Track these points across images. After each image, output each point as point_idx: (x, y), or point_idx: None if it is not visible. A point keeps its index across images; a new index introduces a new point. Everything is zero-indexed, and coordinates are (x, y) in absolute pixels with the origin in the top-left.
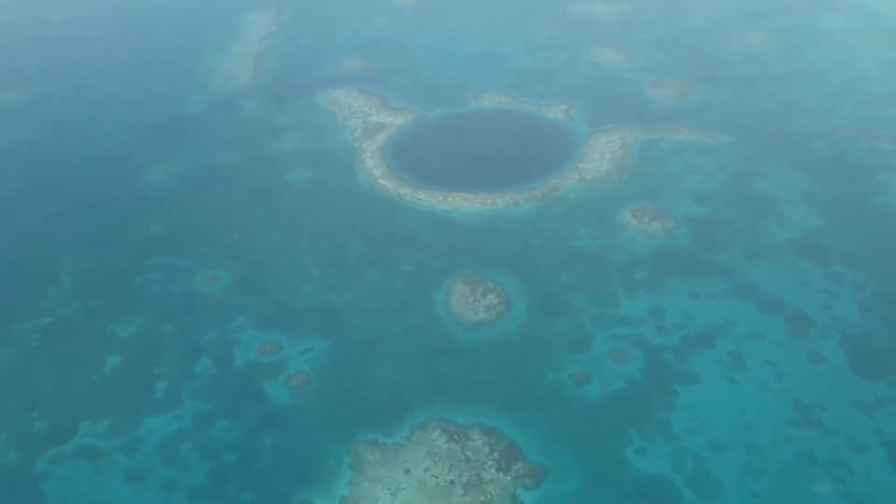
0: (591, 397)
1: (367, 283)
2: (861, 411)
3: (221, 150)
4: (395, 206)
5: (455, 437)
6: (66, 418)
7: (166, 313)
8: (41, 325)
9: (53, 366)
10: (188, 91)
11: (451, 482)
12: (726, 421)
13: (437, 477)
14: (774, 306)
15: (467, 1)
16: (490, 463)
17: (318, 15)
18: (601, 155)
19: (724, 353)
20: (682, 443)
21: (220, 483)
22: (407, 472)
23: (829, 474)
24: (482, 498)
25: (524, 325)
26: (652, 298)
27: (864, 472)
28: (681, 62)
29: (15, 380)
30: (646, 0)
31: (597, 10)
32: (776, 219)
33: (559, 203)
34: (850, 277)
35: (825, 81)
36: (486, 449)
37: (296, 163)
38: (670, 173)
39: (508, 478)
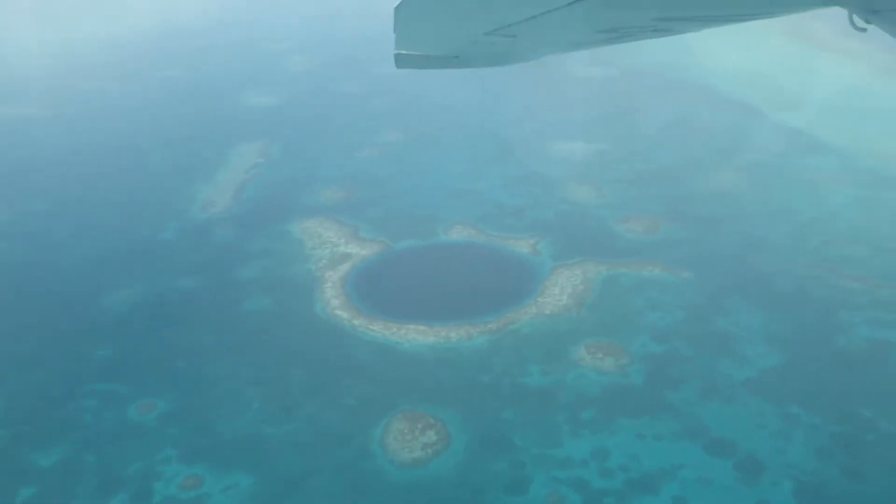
0: None
1: (306, 415)
2: None
3: (184, 276)
4: (347, 337)
5: None
6: None
7: (93, 443)
8: None
9: None
10: (165, 217)
11: None
12: None
13: None
14: (725, 449)
15: (451, 137)
16: None
17: (307, 147)
18: (561, 289)
19: (668, 498)
20: None
21: None
22: None
23: None
24: None
25: (461, 464)
26: (597, 439)
27: None
28: (651, 199)
29: None
30: (624, 139)
31: (575, 149)
32: (733, 357)
33: (513, 337)
34: (806, 420)
35: (792, 219)
36: None
37: (256, 290)
38: (630, 309)
39: None
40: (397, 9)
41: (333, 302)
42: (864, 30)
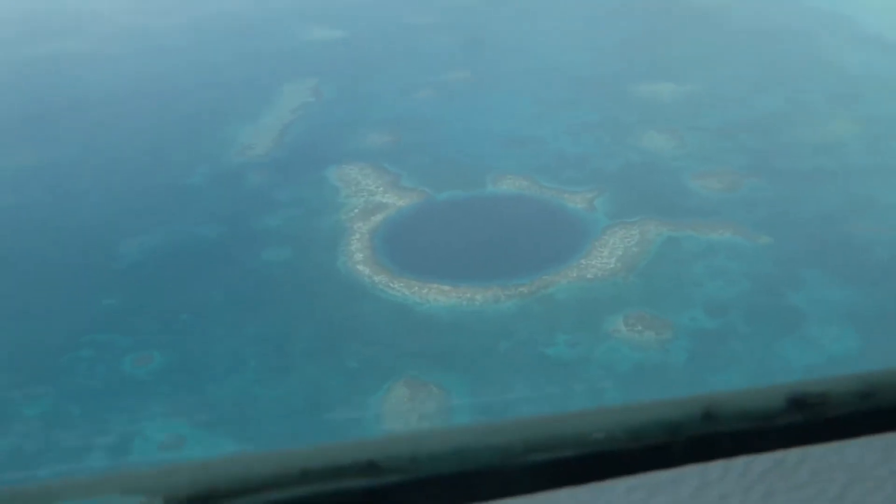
0: None
1: (302, 378)
2: None
3: (206, 224)
4: (364, 295)
5: None
6: None
7: (81, 395)
8: None
9: None
10: (198, 160)
11: None
12: None
13: None
14: None
15: (521, 76)
16: None
17: (362, 86)
18: (611, 251)
19: None
20: None
21: None
22: None
23: None
24: None
25: None
26: None
27: None
28: (741, 150)
29: None
30: (723, 80)
31: (663, 91)
32: (799, 338)
33: (545, 302)
34: None
35: None
36: None
37: (278, 241)
38: (686, 277)
39: None
40: None
41: (357, 256)
42: None
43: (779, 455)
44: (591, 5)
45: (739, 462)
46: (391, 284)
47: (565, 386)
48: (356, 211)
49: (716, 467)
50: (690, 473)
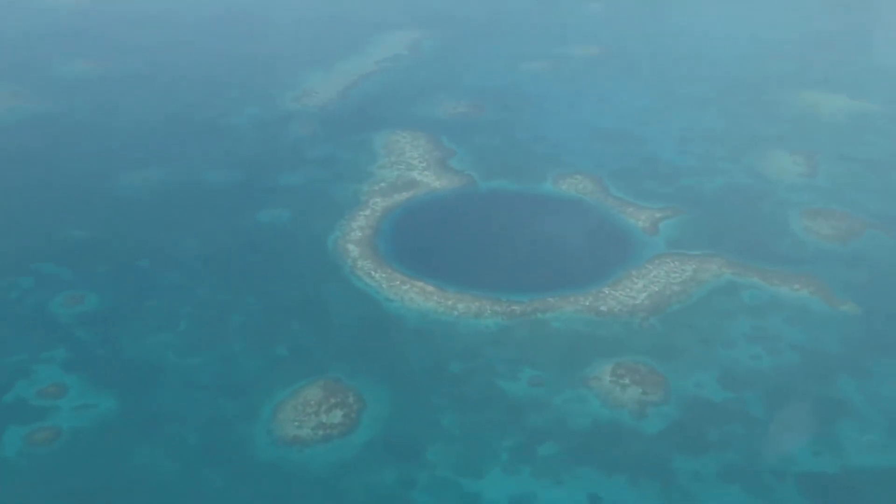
0: None
1: (222, 353)
2: None
3: (223, 169)
4: (337, 279)
5: None
6: None
7: None
8: None
9: None
10: (251, 100)
11: None
12: None
13: None
14: None
15: (656, 62)
16: None
17: (469, 46)
18: (647, 285)
19: None
20: None
21: None
22: None
23: None
24: None
25: (343, 460)
26: (534, 483)
27: None
28: (883, 192)
29: None
30: None
31: (828, 104)
32: (822, 438)
33: (534, 328)
34: None
35: None
36: None
37: (283, 202)
38: (721, 333)
39: None
40: None
41: (354, 234)
42: None
43: None
44: None
45: None
46: (372, 273)
47: (498, 429)
48: (382, 184)
49: None
50: None
